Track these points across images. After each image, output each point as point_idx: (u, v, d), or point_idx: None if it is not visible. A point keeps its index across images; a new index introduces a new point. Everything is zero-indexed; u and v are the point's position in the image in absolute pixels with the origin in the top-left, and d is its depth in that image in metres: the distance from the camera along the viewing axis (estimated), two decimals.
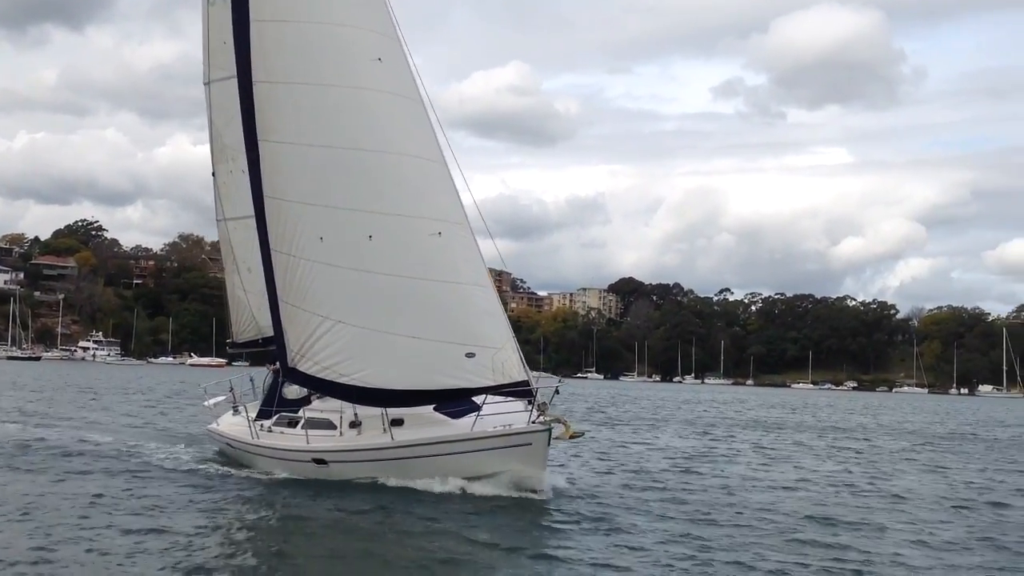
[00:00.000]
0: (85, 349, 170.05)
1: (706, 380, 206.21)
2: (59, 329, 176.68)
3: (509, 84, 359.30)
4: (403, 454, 20.98)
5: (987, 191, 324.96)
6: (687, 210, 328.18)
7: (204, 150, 27.01)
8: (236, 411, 26.19)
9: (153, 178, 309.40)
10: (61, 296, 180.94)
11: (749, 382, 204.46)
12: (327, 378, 21.74)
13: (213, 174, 26.01)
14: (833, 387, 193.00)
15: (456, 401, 21.36)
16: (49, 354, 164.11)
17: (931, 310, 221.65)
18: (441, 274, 20.85)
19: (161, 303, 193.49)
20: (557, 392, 20.67)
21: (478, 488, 20.18)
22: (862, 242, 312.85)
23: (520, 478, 20.16)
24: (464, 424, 20.92)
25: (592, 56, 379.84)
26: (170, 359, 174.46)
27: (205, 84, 25.56)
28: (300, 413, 23.22)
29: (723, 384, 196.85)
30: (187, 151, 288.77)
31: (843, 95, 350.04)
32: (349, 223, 21.13)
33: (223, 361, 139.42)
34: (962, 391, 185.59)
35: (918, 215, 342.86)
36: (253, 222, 23.60)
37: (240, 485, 21.32)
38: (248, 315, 26.17)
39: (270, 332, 24.51)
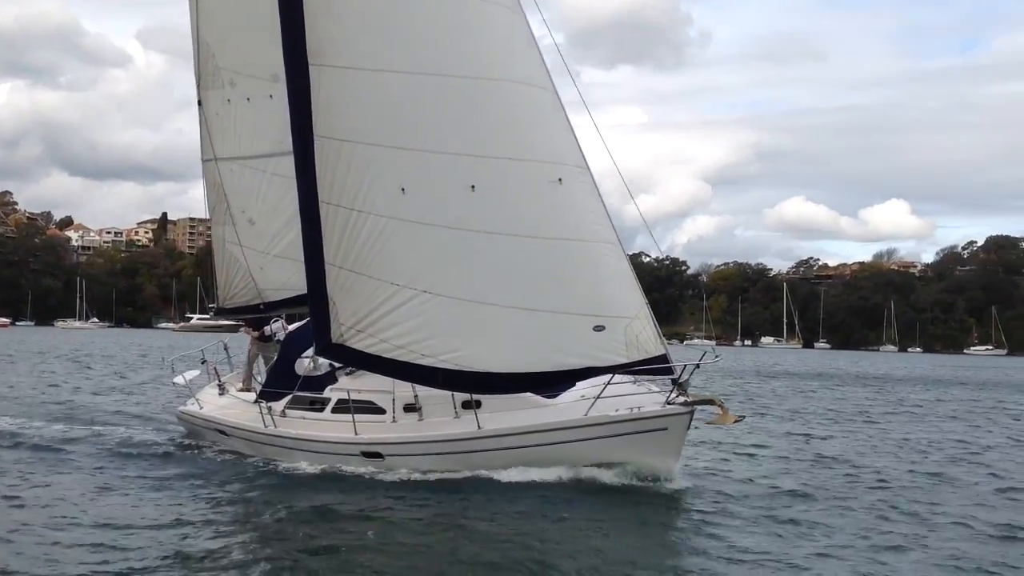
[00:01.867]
0: None
1: None
2: None
3: None
4: (494, 445, 17.58)
5: (769, 152, 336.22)
6: None
7: None
8: (223, 390, 22.07)
9: None
10: None
11: None
12: (399, 358, 17.89)
13: (200, 103, 21.53)
14: None
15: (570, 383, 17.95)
16: None
17: (718, 266, 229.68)
18: (562, 230, 17.16)
19: None
20: (697, 367, 17.26)
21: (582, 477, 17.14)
22: (653, 200, 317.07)
23: (647, 469, 17.09)
24: (573, 407, 17.52)
25: None
26: None
27: None
28: (327, 394, 19.48)
29: None
30: None
31: (635, 56, 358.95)
32: (444, 170, 17.14)
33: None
34: (746, 343, 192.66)
35: (705, 174, 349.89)
36: (261, 163, 19.99)
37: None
38: (244, 275, 21.83)
39: (273, 296, 20.86)
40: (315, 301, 18.53)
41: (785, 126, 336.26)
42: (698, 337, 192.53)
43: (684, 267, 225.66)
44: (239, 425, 20.76)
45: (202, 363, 23.21)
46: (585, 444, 17.13)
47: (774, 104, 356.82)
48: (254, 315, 22.29)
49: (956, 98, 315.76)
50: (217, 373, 22.93)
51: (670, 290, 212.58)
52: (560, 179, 17.09)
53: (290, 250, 20.85)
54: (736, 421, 17.61)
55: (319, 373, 20.35)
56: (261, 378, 21.90)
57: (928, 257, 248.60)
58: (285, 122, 18.18)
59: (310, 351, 20.60)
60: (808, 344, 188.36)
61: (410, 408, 18.52)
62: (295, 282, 20.83)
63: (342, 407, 19.03)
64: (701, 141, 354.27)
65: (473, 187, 17.02)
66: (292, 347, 21.07)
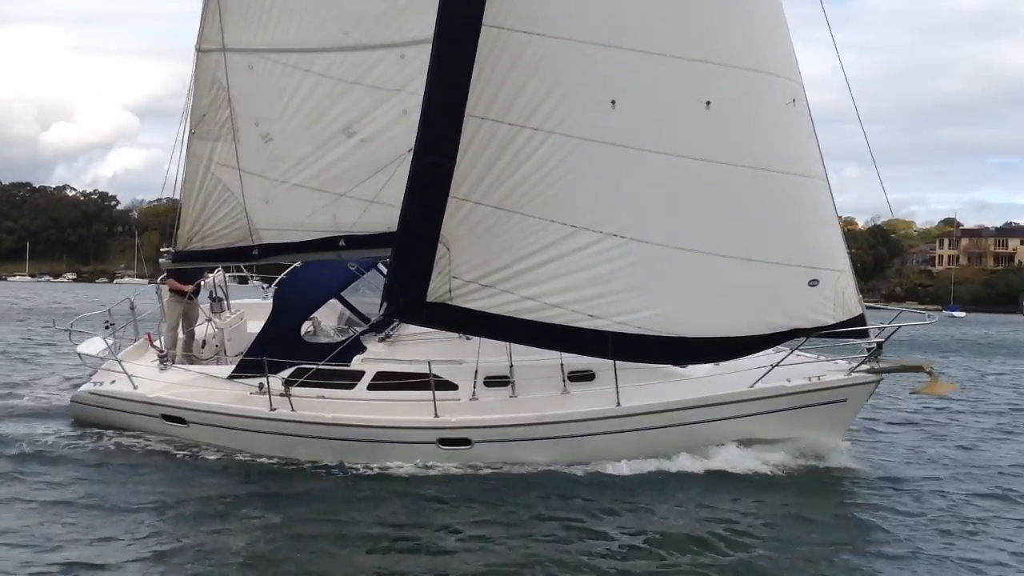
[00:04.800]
0: None
1: None
2: None
3: None
4: (637, 424, 14.60)
5: None
6: None
7: None
8: (164, 363, 16.70)
9: None
10: None
11: None
12: (547, 320, 14.17)
13: None
14: (52, 279, 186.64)
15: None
16: None
17: (151, 202, 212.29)
18: (790, 163, 14.19)
19: None
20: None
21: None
22: (75, 129, 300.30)
23: (814, 447, 14.98)
24: (730, 377, 14.83)
25: None
26: None
27: None
28: (359, 365, 15.43)
29: None
30: None
31: None
32: (673, 80, 13.64)
33: None
34: None
35: (132, 105, 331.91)
36: (305, 59, 15.61)
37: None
38: (234, 208, 16.30)
39: (275, 238, 16.12)
40: (410, 247, 14.36)
41: None
42: (129, 276, 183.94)
43: (114, 202, 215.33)
44: (217, 409, 15.70)
45: (106, 327, 17.37)
46: (750, 420, 14.76)
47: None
48: (237, 261, 16.99)
49: None
50: (150, 339, 17.34)
51: (97, 226, 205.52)
52: (794, 100, 14.21)
53: (317, 180, 16.09)
54: (951, 390, 15.96)
55: (338, 340, 16.00)
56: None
57: None
58: (365, 3, 14.97)
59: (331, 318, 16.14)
60: (243, 280, 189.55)
61: (495, 382, 15.05)
62: (316, 221, 16.32)
63: (387, 382, 15.14)
64: (126, 69, 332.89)
65: (708, 103, 13.69)
66: (294, 302, 16.51)
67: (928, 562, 10.80)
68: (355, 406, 15.13)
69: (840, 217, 15.84)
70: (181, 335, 17.49)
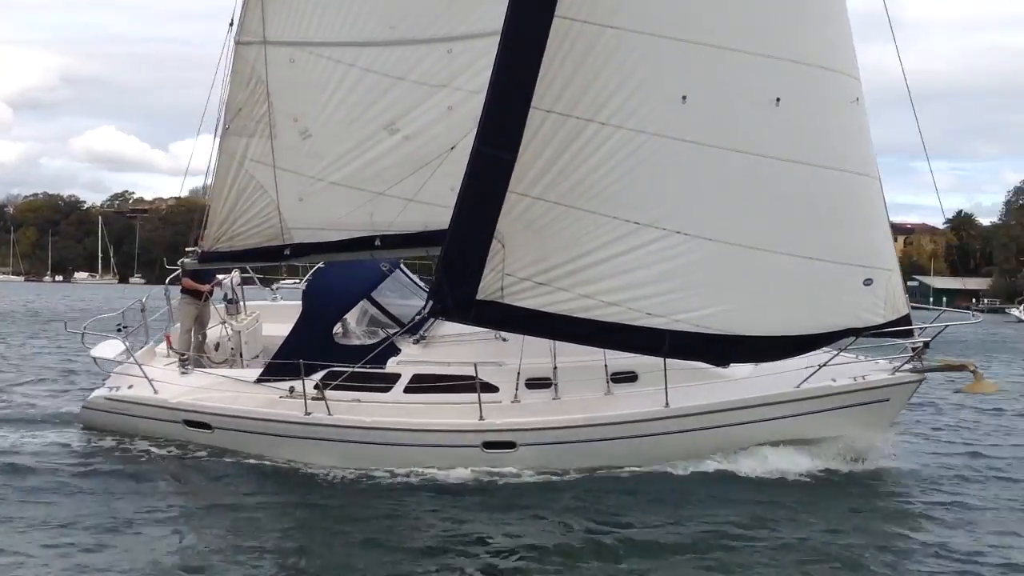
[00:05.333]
0: None
1: None
2: None
3: None
4: (686, 426, 14.46)
5: (78, 78, 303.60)
6: None
7: None
8: (185, 367, 16.15)
9: None
10: None
11: None
12: (603, 318, 13.98)
13: None
14: None
15: None
16: None
17: (26, 196, 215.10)
18: (852, 161, 14.17)
19: None
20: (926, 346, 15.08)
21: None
22: None
23: (856, 447, 14.89)
24: (777, 378, 14.70)
25: None
26: None
27: None
28: (394, 367, 15.02)
29: None
30: None
31: None
32: (743, 76, 13.55)
33: None
34: (58, 278, 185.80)
35: (6, 97, 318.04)
36: (350, 53, 15.53)
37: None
38: (267, 207, 15.84)
39: (308, 237, 15.77)
40: (463, 243, 14.13)
41: (94, 52, 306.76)
42: (4, 272, 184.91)
43: None
44: (247, 414, 15.20)
45: (119, 330, 16.76)
46: (797, 420, 14.68)
47: (85, 28, 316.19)
48: (268, 261, 16.50)
49: None
50: (169, 341, 16.76)
51: None
52: (857, 98, 14.22)
53: (355, 177, 15.74)
54: (994, 390, 16.19)
55: (373, 340, 15.58)
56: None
57: None
58: None
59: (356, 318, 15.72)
60: (124, 279, 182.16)
61: (536, 383, 14.79)
62: (352, 220, 15.94)
63: (424, 384, 14.81)
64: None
65: (778, 100, 13.61)
66: (325, 303, 15.95)
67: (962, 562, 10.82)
68: (392, 410, 14.73)
69: None
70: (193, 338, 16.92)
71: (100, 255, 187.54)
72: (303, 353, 14.84)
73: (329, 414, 14.69)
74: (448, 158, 15.36)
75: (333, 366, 14.87)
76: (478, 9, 15.01)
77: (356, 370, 14.87)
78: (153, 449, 15.31)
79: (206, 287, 16.82)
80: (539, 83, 13.43)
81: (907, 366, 14.83)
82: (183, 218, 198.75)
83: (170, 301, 17.50)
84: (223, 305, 16.98)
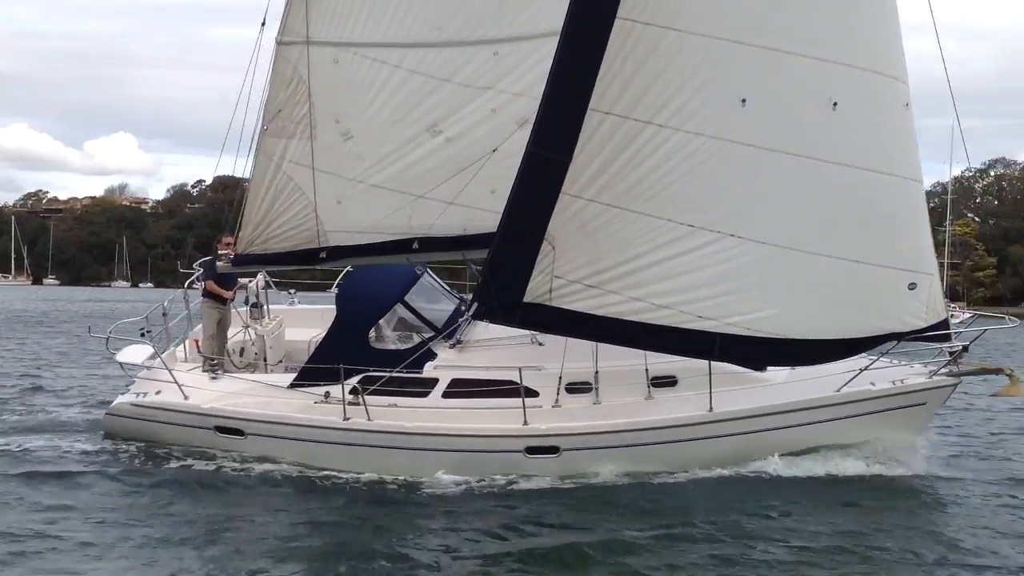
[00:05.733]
0: None
1: None
2: None
3: None
4: (730, 430, 14.44)
5: None
6: None
7: None
8: (215, 372, 15.89)
9: None
10: None
11: None
12: (655, 321, 13.95)
13: None
14: None
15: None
16: None
17: None
18: (903, 166, 14.32)
19: None
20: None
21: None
22: None
23: (890, 450, 14.98)
24: (815, 382, 14.83)
25: None
26: None
27: None
28: (432, 372, 14.89)
29: None
30: None
31: None
32: (802, 79, 13.67)
33: None
34: None
35: None
36: (395, 55, 15.46)
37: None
38: (304, 209, 15.60)
39: (345, 240, 15.69)
40: (512, 244, 14.04)
41: (7, 48, 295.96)
42: None
43: None
44: (284, 419, 14.91)
45: (142, 335, 16.46)
46: (838, 423, 14.74)
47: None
48: (302, 264, 16.29)
49: (181, 37, 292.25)
50: (198, 346, 16.50)
51: None
52: (907, 104, 14.38)
53: (396, 180, 15.64)
54: None
55: (406, 346, 15.35)
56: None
57: (157, 193, 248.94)
58: None
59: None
60: (38, 280, 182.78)
61: (576, 388, 14.71)
62: (390, 223, 15.81)
63: (463, 389, 14.67)
64: None
65: (835, 104, 13.76)
66: (361, 307, 15.72)
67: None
68: (431, 414, 14.54)
69: None
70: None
71: (13, 256, 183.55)
72: (340, 357, 14.60)
73: (368, 419, 14.44)
74: (490, 161, 15.31)
75: (369, 370, 14.66)
76: (526, 11, 15.02)
77: (395, 375, 14.66)
78: (181, 456, 14.98)
79: (231, 292, 16.61)
80: (598, 84, 13.42)
81: (943, 370, 14.94)
82: (100, 218, 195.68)
83: (189, 305, 17.22)
84: (245, 309, 16.78)
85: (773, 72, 13.65)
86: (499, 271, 14.09)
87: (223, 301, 16.48)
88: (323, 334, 15.81)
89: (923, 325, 14.53)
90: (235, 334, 16.69)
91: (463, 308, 15.68)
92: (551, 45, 13.98)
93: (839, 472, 14.36)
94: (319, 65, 15.32)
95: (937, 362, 15.07)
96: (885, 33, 14.24)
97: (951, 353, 14.87)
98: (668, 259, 13.85)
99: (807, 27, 13.72)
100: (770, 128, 13.69)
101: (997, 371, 15.40)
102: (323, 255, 15.88)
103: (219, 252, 16.37)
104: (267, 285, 17.36)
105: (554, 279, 13.95)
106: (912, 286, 14.38)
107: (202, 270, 16.76)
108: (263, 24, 15.55)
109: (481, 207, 15.23)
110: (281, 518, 12.34)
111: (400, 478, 14.15)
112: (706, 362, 14.22)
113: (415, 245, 15.77)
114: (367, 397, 14.55)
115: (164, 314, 16.82)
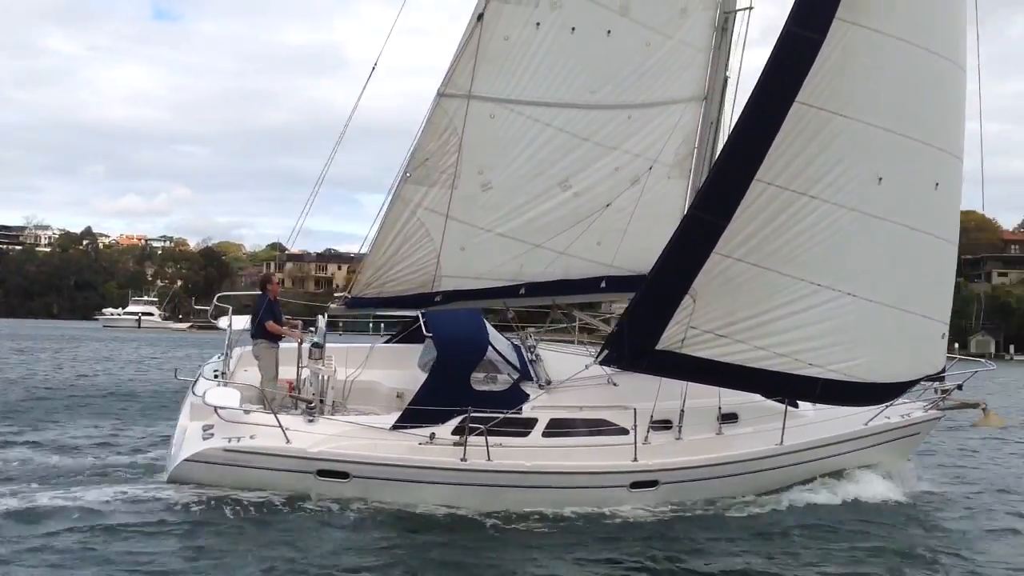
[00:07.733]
0: None
1: None
2: None
3: None
4: (795, 460, 16.69)
5: None
6: None
7: None
8: (311, 414, 15.40)
9: None
10: None
11: None
12: (770, 367, 15.71)
13: (480, 16, 14.50)
14: None
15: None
16: None
17: None
18: (954, 232, 17.09)
19: None
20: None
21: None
22: None
23: (890, 470, 17.80)
24: (847, 418, 17.38)
25: None
26: None
27: None
28: (530, 412, 15.71)
29: None
30: None
31: None
32: (921, 162, 15.82)
33: None
34: None
35: None
36: (547, 113, 16.03)
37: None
38: (428, 254, 15.28)
39: (457, 285, 16.32)
40: (657, 296, 15.30)
41: None
42: None
43: None
44: (397, 461, 14.79)
45: (215, 376, 15.33)
46: (865, 451, 17.46)
47: None
48: (415, 308, 15.84)
49: None
50: (291, 387, 15.68)
51: None
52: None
53: (521, 230, 16.01)
54: (1003, 426, 19.47)
55: (502, 387, 15.89)
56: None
57: None
58: (616, 65, 15.62)
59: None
60: None
61: (658, 425, 16.07)
62: (503, 271, 16.24)
63: (561, 429, 15.61)
64: None
65: (937, 185, 16.21)
66: (463, 351, 15.75)
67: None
68: (534, 453, 15.19)
69: None
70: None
71: None
72: (446, 399, 14.85)
73: (489, 459, 14.71)
74: (602, 215, 16.07)
75: (472, 412, 14.81)
76: (659, 79, 15.79)
77: (500, 416, 14.93)
78: (277, 500, 14.23)
79: (296, 331, 15.82)
80: (768, 158, 14.74)
81: (932, 405, 18.08)
82: None
83: (231, 346, 16.08)
84: (306, 348, 15.95)
85: (905, 156, 15.66)
86: (636, 319, 15.14)
87: (278, 340, 15.68)
88: (358, 372, 15.88)
89: (938, 370, 17.35)
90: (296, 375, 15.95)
91: (522, 347, 16.46)
92: (670, 111, 15.38)
93: (859, 496, 16.51)
94: (475, 118, 14.99)
95: (928, 399, 18.03)
96: (962, 122, 16.73)
97: (943, 391, 17.91)
98: (793, 313, 15.52)
99: (930, 119, 15.92)
100: (894, 203, 15.71)
101: (974, 405, 18.39)
102: (438, 299, 15.76)
103: (335, 295, 15.46)
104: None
105: (689, 329, 15.14)
106: (944, 335, 17.22)
107: (260, 311, 15.62)
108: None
109: (586, 257, 16.09)
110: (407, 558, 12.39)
111: (508, 514, 14.47)
112: (759, 398, 16.21)
113: (522, 290, 16.20)
114: (471, 438, 14.76)
115: (226, 356, 15.57)
